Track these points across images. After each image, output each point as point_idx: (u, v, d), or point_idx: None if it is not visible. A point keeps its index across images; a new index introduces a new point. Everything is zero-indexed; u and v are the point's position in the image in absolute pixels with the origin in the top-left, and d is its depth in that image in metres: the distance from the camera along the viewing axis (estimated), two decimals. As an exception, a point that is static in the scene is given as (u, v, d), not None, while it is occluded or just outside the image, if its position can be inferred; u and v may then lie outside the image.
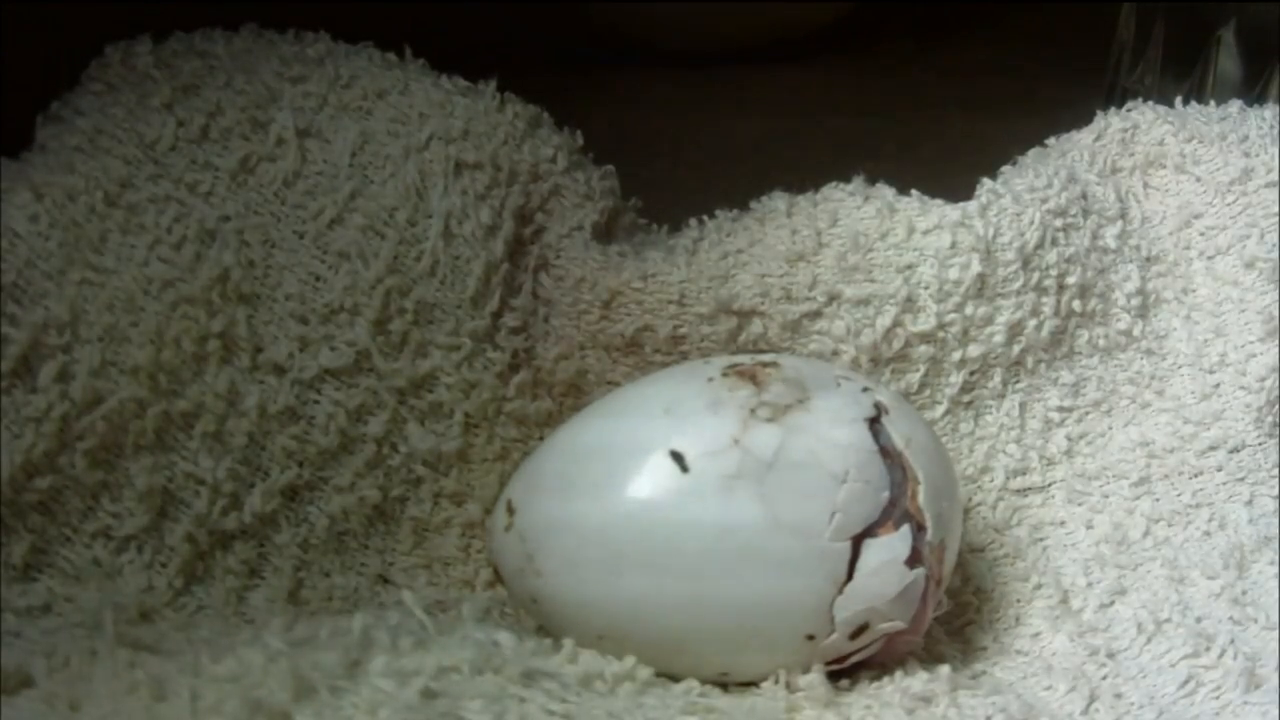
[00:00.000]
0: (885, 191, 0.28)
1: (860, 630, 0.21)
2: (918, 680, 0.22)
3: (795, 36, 0.47)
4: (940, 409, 0.27)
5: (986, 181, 0.28)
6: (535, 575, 0.22)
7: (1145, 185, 0.29)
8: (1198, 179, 0.28)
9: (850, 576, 0.21)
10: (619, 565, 0.21)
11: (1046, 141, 0.31)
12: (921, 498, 0.22)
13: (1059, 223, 0.27)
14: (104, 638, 0.20)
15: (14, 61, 0.27)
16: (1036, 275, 0.27)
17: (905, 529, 0.21)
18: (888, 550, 0.21)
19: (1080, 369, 0.28)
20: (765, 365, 0.22)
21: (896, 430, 0.22)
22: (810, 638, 0.21)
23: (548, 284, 0.27)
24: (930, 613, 0.22)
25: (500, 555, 0.22)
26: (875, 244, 0.27)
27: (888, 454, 0.22)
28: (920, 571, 0.21)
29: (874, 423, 0.22)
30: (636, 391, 0.23)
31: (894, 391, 0.24)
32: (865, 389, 0.22)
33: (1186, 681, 0.23)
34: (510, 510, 0.22)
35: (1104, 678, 0.23)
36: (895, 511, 0.21)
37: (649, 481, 0.21)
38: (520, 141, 0.28)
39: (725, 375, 0.22)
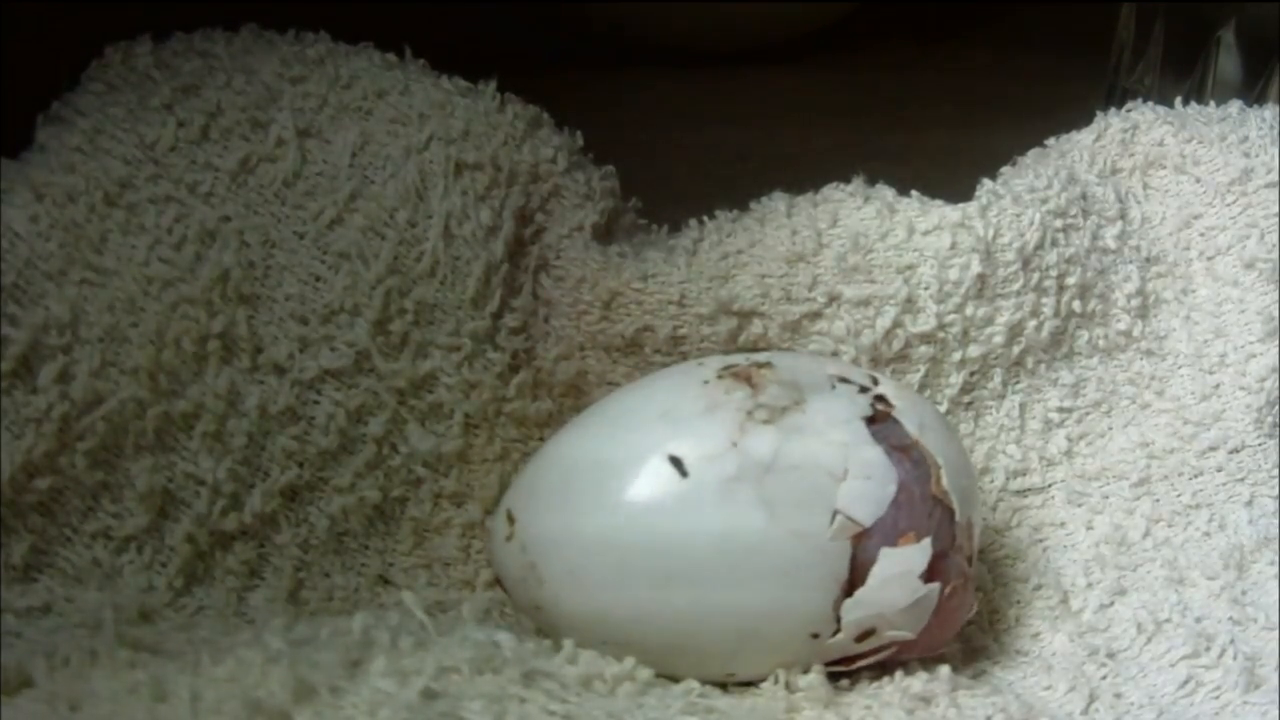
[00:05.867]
0: (885, 192, 0.28)
1: (867, 634, 0.21)
2: (918, 680, 0.22)
3: (795, 36, 0.47)
4: (940, 410, 0.27)
5: (986, 182, 0.28)
6: (538, 584, 0.22)
7: (1145, 186, 0.29)
8: (1198, 179, 0.28)
9: (861, 579, 0.21)
10: (622, 572, 0.21)
11: (1046, 142, 0.31)
12: (945, 480, 0.22)
13: (1059, 223, 0.27)
14: (104, 638, 0.20)
15: (14, 61, 0.27)
16: (1036, 276, 0.27)
17: (926, 541, 0.21)
18: (905, 561, 0.21)
19: (1080, 369, 0.28)
20: (760, 366, 0.22)
21: (908, 420, 0.22)
22: (815, 636, 0.21)
23: (548, 285, 0.27)
24: (963, 608, 0.22)
25: (502, 565, 0.22)
26: (875, 245, 0.27)
27: (899, 448, 0.22)
28: (934, 586, 0.21)
29: (875, 419, 0.22)
30: (632, 396, 0.23)
31: (896, 382, 0.24)
32: (863, 388, 0.22)
33: (1186, 681, 0.23)
34: (510, 520, 0.22)
35: (1104, 678, 0.23)
36: (912, 506, 0.21)
37: (649, 487, 0.21)
38: (520, 142, 0.28)
39: (720, 377, 0.22)
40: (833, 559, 0.21)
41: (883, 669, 0.22)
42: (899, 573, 0.21)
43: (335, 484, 0.25)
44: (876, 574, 0.21)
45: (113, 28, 0.27)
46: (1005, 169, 0.30)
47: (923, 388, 0.27)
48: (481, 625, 0.22)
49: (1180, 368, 0.27)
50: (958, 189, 0.28)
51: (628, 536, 0.21)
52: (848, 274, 0.26)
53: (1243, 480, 0.26)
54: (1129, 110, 0.30)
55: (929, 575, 0.21)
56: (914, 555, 0.21)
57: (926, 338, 0.27)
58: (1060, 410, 0.27)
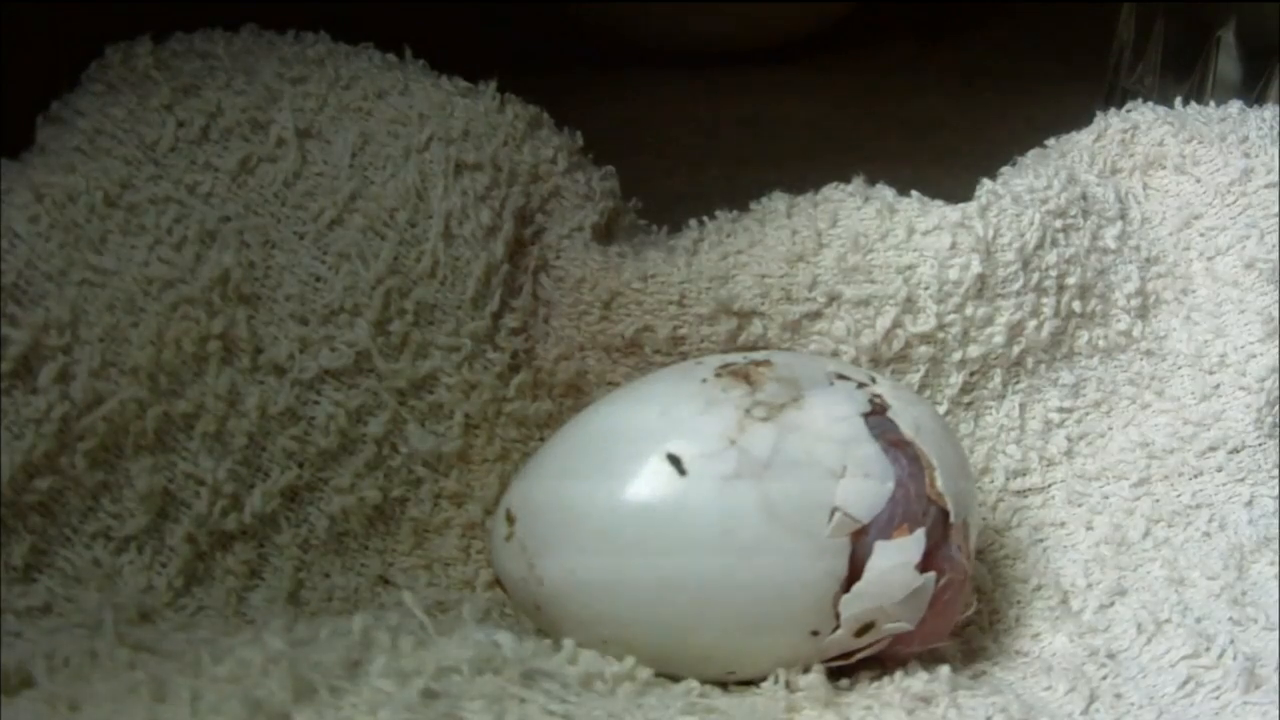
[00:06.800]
0: (885, 192, 0.28)
1: (866, 628, 0.21)
2: (918, 680, 0.22)
3: (795, 36, 0.47)
4: (940, 410, 0.27)
5: (986, 182, 0.28)
6: (538, 584, 0.22)
7: (1145, 186, 0.29)
8: (1198, 179, 0.28)
9: (859, 574, 0.21)
10: (621, 571, 0.21)
11: (1046, 142, 0.31)
12: (939, 482, 0.22)
13: (1059, 223, 0.27)
14: (104, 638, 0.20)
15: (14, 61, 0.27)
16: (1036, 276, 0.27)
17: (920, 533, 0.21)
18: (900, 553, 0.21)
19: (1080, 370, 0.28)
20: (758, 364, 0.22)
21: (903, 420, 0.22)
22: (815, 633, 0.21)
23: (548, 285, 0.27)
24: (959, 610, 0.22)
25: (502, 564, 0.22)
26: (875, 245, 0.27)
27: (896, 445, 0.22)
28: (930, 576, 0.21)
29: (873, 416, 0.22)
30: (631, 395, 0.23)
31: (894, 380, 0.24)
32: (861, 385, 0.22)
33: (1186, 681, 0.23)
34: (510, 519, 0.22)
35: (1104, 678, 0.23)
36: (908, 502, 0.21)
37: (648, 485, 0.21)
38: (520, 142, 0.28)
39: (719, 376, 0.22)
40: (832, 556, 0.21)
41: (883, 669, 0.22)
42: (895, 564, 0.21)
43: (335, 484, 0.25)
44: (873, 567, 0.21)
45: (113, 28, 0.27)
46: (1005, 169, 0.30)
47: (923, 388, 0.27)
48: (481, 625, 0.22)
49: (1180, 368, 0.27)
50: (958, 189, 0.28)
51: (627, 535, 0.21)
52: (848, 274, 0.26)
53: (1243, 480, 0.26)
54: (1129, 110, 0.30)
55: (924, 566, 0.21)
56: (909, 546, 0.21)
57: (926, 338, 0.27)
58: (1060, 410, 0.27)
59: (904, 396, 0.23)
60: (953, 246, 0.26)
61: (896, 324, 0.26)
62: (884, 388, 0.23)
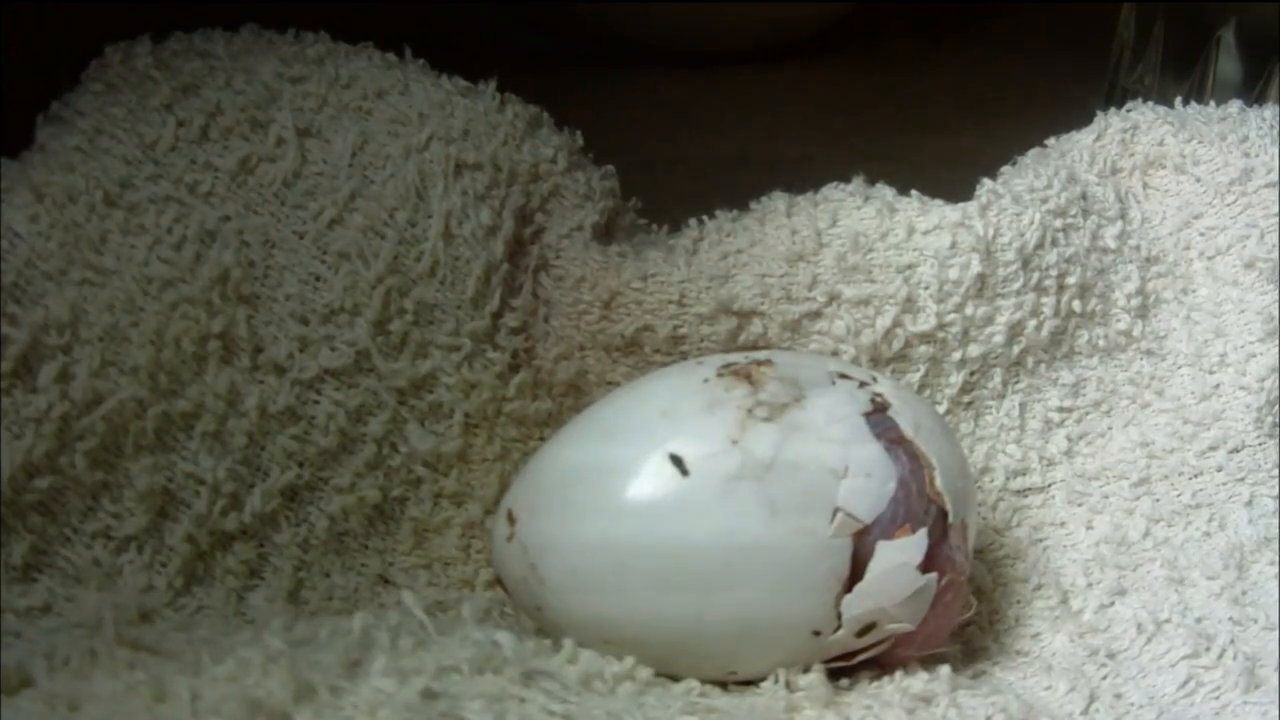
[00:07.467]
0: (885, 192, 0.28)
1: (867, 629, 0.21)
2: (918, 680, 0.22)
3: (795, 36, 0.47)
4: (940, 409, 0.27)
5: (986, 182, 0.28)
6: (539, 584, 0.22)
7: (1145, 185, 0.29)
8: (1198, 179, 0.28)
9: (860, 575, 0.21)
10: (623, 571, 0.21)
11: (1046, 142, 0.31)
12: (939, 481, 0.22)
13: (1059, 223, 0.27)
14: (104, 638, 0.20)
15: (14, 61, 0.27)
16: (1036, 275, 0.27)
17: (921, 533, 0.21)
18: (901, 553, 0.21)
19: (1080, 369, 0.28)
20: (760, 364, 0.22)
21: (903, 420, 0.22)
22: (816, 633, 0.21)
23: (548, 284, 0.27)
24: (959, 611, 0.22)
25: (503, 565, 0.22)
26: (875, 244, 0.27)
27: (896, 444, 0.22)
28: (932, 577, 0.21)
29: (874, 415, 0.22)
30: (633, 395, 0.23)
31: (894, 380, 0.24)
32: (862, 384, 0.22)
33: (1186, 681, 0.23)
34: (511, 520, 0.22)
35: (1104, 678, 0.23)
36: (910, 501, 0.21)
37: (649, 486, 0.21)
38: (520, 142, 0.28)
39: (720, 375, 0.22)
40: (834, 556, 0.21)
41: (883, 669, 0.22)
42: (897, 564, 0.21)
43: (335, 484, 0.25)
44: (875, 568, 0.21)
45: (113, 28, 0.27)
46: (1005, 169, 0.30)
47: (923, 387, 0.27)
48: (481, 625, 0.22)
49: (1180, 368, 0.27)
50: (958, 189, 0.28)
51: (629, 536, 0.21)
52: (848, 274, 0.26)
53: (1243, 480, 0.26)
54: (1129, 110, 0.30)
55: (925, 566, 0.21)
56: (911, 546, 0.21)
57: (926, 337, 0.27)
58: (1060, 410, 0.27)
59: (904, 396, 0.23)
60: (953, 246, 0.26)
61: (896, 323, 0.26)
62: (885, 387, 0.23)
